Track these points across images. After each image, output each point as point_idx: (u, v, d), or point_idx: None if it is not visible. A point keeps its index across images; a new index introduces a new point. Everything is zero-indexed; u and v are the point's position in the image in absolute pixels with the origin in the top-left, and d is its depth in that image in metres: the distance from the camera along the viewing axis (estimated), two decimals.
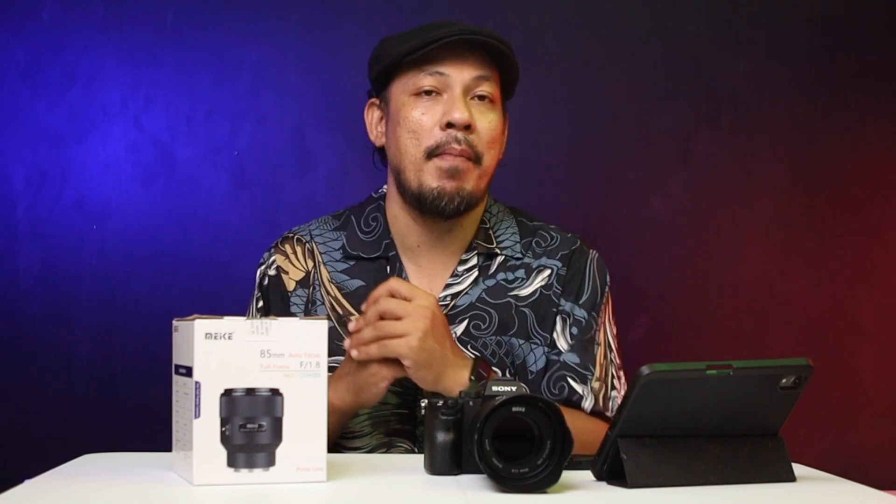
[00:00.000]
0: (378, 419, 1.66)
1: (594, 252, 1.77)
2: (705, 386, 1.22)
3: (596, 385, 1.67)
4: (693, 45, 2.55)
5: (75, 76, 2.43)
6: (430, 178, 1.62)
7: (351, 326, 1.52)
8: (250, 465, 1.20)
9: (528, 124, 2.48)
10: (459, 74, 1.62)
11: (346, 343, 1.52)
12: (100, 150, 2.43)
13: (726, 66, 2.55)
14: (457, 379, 1.50)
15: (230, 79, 2.46)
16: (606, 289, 1.75)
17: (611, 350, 1.74)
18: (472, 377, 1.46)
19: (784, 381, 1.25)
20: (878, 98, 2.58)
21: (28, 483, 1.21)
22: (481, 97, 1.63)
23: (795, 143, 2.56)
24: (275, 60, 2.47)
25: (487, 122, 1.63)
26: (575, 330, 1.69)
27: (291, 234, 1.77)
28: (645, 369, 1.19)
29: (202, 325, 1.18)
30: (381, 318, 1.50)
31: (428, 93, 1.62)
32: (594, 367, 1.69)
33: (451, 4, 2.48)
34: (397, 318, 1.49)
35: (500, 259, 1.71)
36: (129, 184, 2.43)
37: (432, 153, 1.61)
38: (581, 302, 1.71)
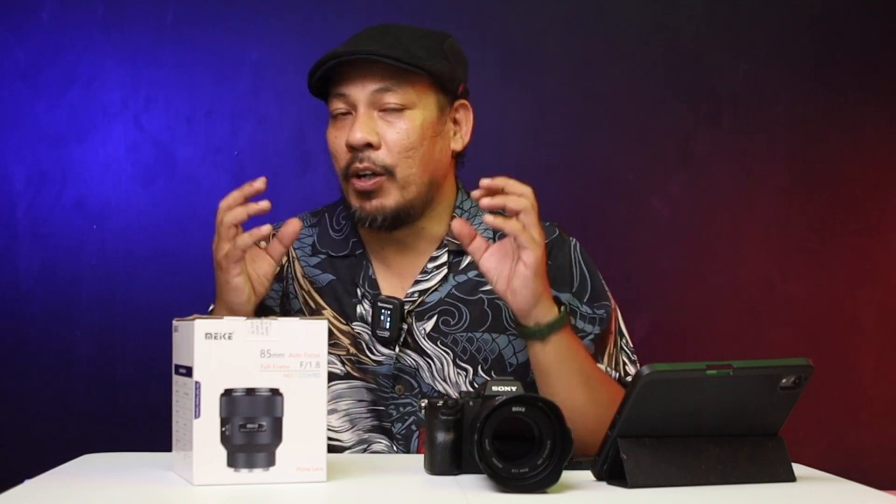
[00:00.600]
0: (355, 416, 1.67)
1: (573, 239, 1.74)
2: (705, 386, 1.21)
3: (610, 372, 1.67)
4: (693, 45, 2.55)
5: (75, 76, 2.43)
6: (352, 199, 1.65)
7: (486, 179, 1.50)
8: (250, 465, 1.20)
9: (528, 124, 2.48)
10: (360, 91, 1.62)
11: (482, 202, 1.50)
12: (100, 150, 2.43)
13: (726, 66, 2.55)
14: (551, 307, 1.52)
15: (230, 79, 2.46)
16: (597, 274, 1.73)
17: (622, 336, 1.72)
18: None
19: (784, 381, 1.25)
20: (878, 98, 2.58)
21: (28, 483, 1.21)
22: (391, 109, 1.62)
23: (795, 143, 2.56)
24: (275, 60, 2.47)
25: (395, 132, 1.61)
26: (578, 321, 1.68)
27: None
28: (645, 369, 1.19)
29: (202, 325, 1.18)
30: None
31: (342, 113, 1.64)
32: (602, 359, 1.68)
33: (451, 4, 2.48)
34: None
35: (470, 257, 1.66)
36: (129, 184, 2.43)
37: (347, 175, 1.64)
38: (574, 291, 1.70)
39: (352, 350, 1.66)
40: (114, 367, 2.41)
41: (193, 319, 1.19)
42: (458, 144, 1.70)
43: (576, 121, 2.53)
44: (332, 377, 1.66)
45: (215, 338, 1.19)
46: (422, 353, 1.65)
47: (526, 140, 2.47)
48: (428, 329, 1.66)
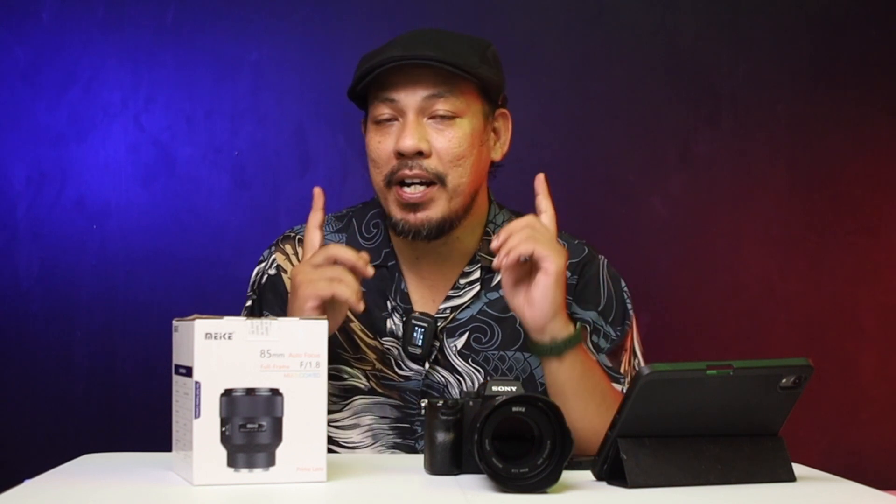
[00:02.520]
0: (378, 432, 1.65)
1: (602, 257, 1.73)
2: (705, 386, 1.21)
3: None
4: (693, 45, 2.55)
5: (75, 76, 2.43)
6: (395, 209, 1.60)
7: (495, 240, 1.50)
8: (250, 465, 1.20)
9: (528, 124, 2.48)
10: (410, 98, 1.57)
11: (494, 244, 1.49)
12: (100, 150, 2.43)
13: (726, 66, 2.55)
14: (567, 323, 1.51)
15: (230, 79, 2.46)
16: (624, 294, 1.71)
17: (635, 356, 1.71)
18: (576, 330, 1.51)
19: (784, 381, 1.25)
20: (878, 98, 2.58)
21: (28, 483, 1.21)
22: (441, 116, 1.58)
23: (795, 143, 2.56)
24: (275, 60, 2.47)
25: (446, 140, 1.57)
26: (601, 340, 1.67)
27: (293, 234, 1.75)
28: (645, 369, 1.19)
29: (202, 325, 1.18)
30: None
31: (387, 119, 1.59)
32: (620, 372, 1.68)
33: (452, 4, 2.48)
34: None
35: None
36: (129, 184, 2.43)
37: (390, 181, 1.58)
38: (601, 309, 1.68)
39: (378, 365, 1.63)
40: (114, 367, 2.41)
41: (193, 319, 1.19)
42: (497, 154, 1.69)
43: (576, 121, 2.53)
44: (355, 391, 1.64)
45: (215, 338, 1.19)
46: (452, 369, 1.63)
47: (526, 140, 2.47)
48: (459, 346, 1.64)
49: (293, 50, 2.47)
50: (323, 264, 1.47)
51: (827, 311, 2.56)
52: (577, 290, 1.68)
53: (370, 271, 1.48)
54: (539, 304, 1.47)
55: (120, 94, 2.44)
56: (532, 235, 1.48)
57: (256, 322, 1.20)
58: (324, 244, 1.54)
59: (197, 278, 2.43)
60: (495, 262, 1.48)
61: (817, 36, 2.57)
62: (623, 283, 1.73)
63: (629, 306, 1.71)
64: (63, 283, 2.41)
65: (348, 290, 1.46)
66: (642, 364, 1.72)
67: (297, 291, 1.48)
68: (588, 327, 1.66)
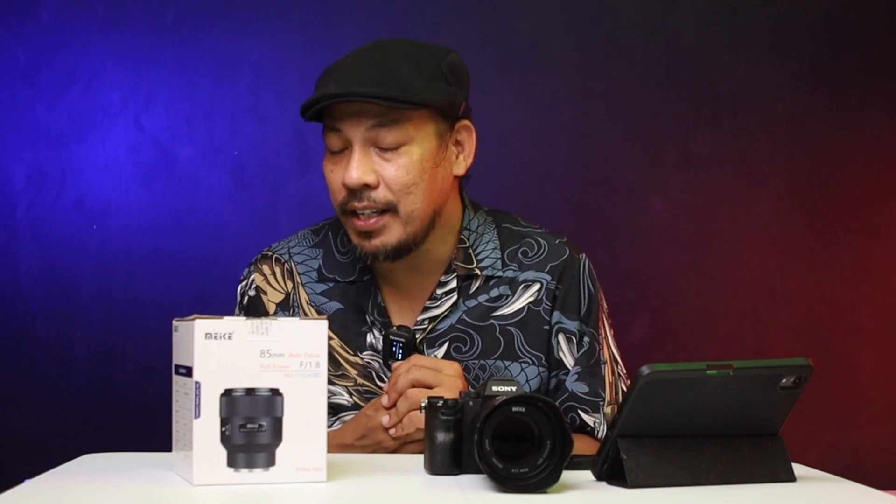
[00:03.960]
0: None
1: (583, 256, 1.71)
2: (705, 386, 1.21)
3: (608, 410, 1.65)
4: (693, 45, 2.55)
5: (75, 76, 2.43)
6: (352, 234, 1.60)
7: (384, 420, 1.51)
8: (250, 465, 1.20)
9: (528, 124, 2.48)
10: (355, 130, 1.55)
11: (384, 420, 1.51)
12: (100, 150, 2.43)
13: (726, 66, 2.55)
14: None
15: (230, 79, 2.46)
16: (599, 295, 1.70)
17: (617, 363, 1.70)
18: None
19: (784, 381, 1.25)
20: (878, 98, 2.58)
21: (28, 483, 1.21)
22: (386, 147, 1.56)
23: (795, 143, 2.56)
24: (275, 60, 2.47)
25: (394, 170, 1.55)
26: (580, 352, 1.66)
27: (270, 253, 1.74)
28: (645, 369, 1.19)
29: (202, 325, 1.18)
30: (413, 386, 1.48)
31: (339, 150, 1.58)
32: (604, 391, 1.66)
33: (452, 5, 2.48)
34: (429, 387, 1.47)
35: (480, 280, 1.66)
36: (129, 184, 2.43)
37: (344, 210, 1.59)
38: (582, 316, 1.67)
39: (360, 381, 1.64)
40: (114, 367, 2.41)
41: (193, 319, 1.19)
42: (460, 169, 1.65)
43: (576, 121, 2.53)
44: (339, 409, 1.65)
45: (215, 338, 1.19)
46: None
47: (526, 140, 2.47)
48: (440, 356, 1.63)
49: (293, 50, 2.47)
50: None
51: (827, 311, 2.56)
52: (560, 297, 1.67)
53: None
54: None
55: (120, 94, 2.44)
56: (418, 373, 1.48)
57: (256, 322, 1.20)
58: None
59: (197, 278, 2.43)
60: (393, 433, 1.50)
61: (817, 36, 2.57)
62: (597, 283, 1.71)
63: (596, 309, 1.69)
64: (63, 283, 2.41)
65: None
66: (623, 369, 1.72)
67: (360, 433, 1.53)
68: (573, 337, 1.66)
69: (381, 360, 1.63)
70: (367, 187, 1.55)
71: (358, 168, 1.55)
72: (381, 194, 1.56)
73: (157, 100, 2.44)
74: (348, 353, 1.65)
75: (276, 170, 2.45)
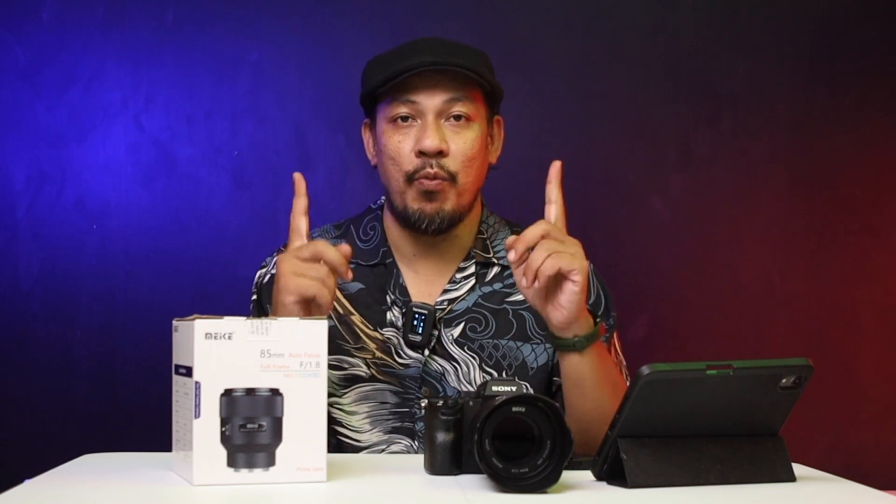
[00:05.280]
0: (377, 418, 1.71)
1: (588, 263, 1.77)
2: (705, 386, 1.22)
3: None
4: (693, 45, 2.55)
5: (75, 76, 2.43)
6: (412, 200, 1.68)
7: (511, 252, 1.51)
8: (250, 465, 1.20)
9: (528, 124, 2.48)
10: (430, 100, 1.66)
11: (510, 254, 1.51)
12: (100, 150, 2.43)
13: (726, 66, 2.55)
14: (588, 318, 1.56)
15: (230, 79, 2.46)
16: (611, 299, 1.79)
17: (622, 366, 1.77)
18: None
19: (784, 381, 1.25)
20: (878, 98, 2.58)
21: (28, 483, 1.21)
22: (456, 117, 1.67)
23: (795, 143, 2.56)
24: (275, 60, 2.47)
25: (462, 142, 1.67)
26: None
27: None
28: (645, 369, 1.19)
29: (202, 325, 1.18)
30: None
31: (404, 118, 1.68)
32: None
33: (452, 5, 2.48)
34: (559, 244, 1.51)
35: (496, 269, 1.76)
36: (129, 184, 2.43)
37: (411, 178, 1.67)
38: (591, 303, 1.74)
39: (378, 354, 1.71)
40: (114, 367, 2.41)
41: (193, 319, 1.19)
42: (493, 157, 1.78)
43: (576, 121, 2.53)
44: (357, 379, 1.72)
45: (215, 338, 1.19)
46: (449, 357, 1.71)
47: (526, 140, 2.47)
48: (456, 334, 1.72)
49: (293, 50, 2.47)
50: (309, 259, 1.52)
51: (827, 311, 2.56)
52: None
53: (350, 275, 1.53)
54: (566, 308, 1.52)
55: (120, 94, 2.44)
56: (553, 249, 1.50)
57: (256, 322, 1.21)
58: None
59: (197, 278, 2.43)
60: (524, 283, 1.51)
61: (817, 36, 2.57)
62: (608, 290, 1.80)
63: (611, 309, 1.79)
64: (63, 283, 2.41)
65: (329, 296, 1.50)
66: (626, 371, 1.78)
67: (280, 280, 1.52)
68: (606, 324, 1.74)
69: (400, 336, 1.70)
70: (440, 154, 1.66)
71: (435, 136, 1.65)
72: (448, 163, 1.67)
73: (157, 100, 2.44)
74: (368, 328, 1.72)
75: (276, 170, 2.45)
